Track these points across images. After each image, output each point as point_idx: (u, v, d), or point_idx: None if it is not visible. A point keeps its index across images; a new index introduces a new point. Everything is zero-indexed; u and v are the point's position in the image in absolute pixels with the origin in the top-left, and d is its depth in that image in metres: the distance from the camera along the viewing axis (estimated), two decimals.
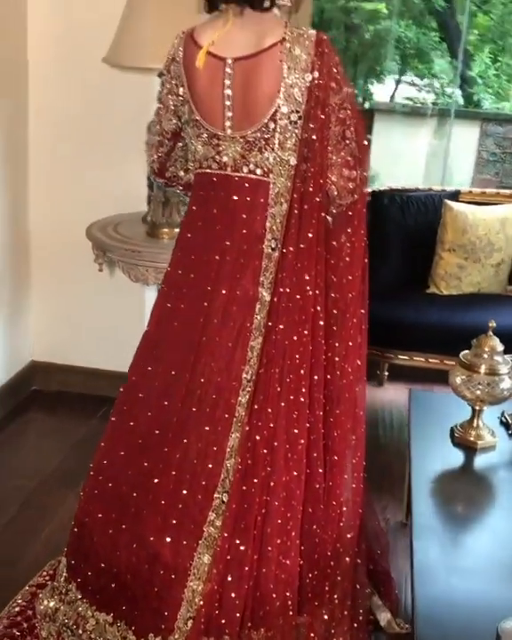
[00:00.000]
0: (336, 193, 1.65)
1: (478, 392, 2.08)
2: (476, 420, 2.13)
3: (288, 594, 1.68)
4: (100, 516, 1.83)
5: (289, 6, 1.64)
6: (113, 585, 1.80)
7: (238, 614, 1.66)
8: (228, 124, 1.65)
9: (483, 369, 2.07)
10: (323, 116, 1.59)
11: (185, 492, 1.72)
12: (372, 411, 3.35)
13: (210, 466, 1.71)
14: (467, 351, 2.12)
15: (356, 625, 1.81)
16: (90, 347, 3.10)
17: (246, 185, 1.66)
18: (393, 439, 3.09)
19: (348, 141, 1.62)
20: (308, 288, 1.65)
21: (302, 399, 1.67)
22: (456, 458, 2.09)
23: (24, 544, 2.29)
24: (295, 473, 1.67)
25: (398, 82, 8.06)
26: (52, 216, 2.98)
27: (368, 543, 1.97)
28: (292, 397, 1.66)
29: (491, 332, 2.08)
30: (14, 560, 2.22)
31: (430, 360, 2.97)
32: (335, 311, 1.72)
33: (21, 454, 2.81)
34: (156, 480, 1.76)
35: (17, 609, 2.01)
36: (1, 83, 2.72)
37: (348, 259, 1.72)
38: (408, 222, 3.11)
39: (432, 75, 8.07)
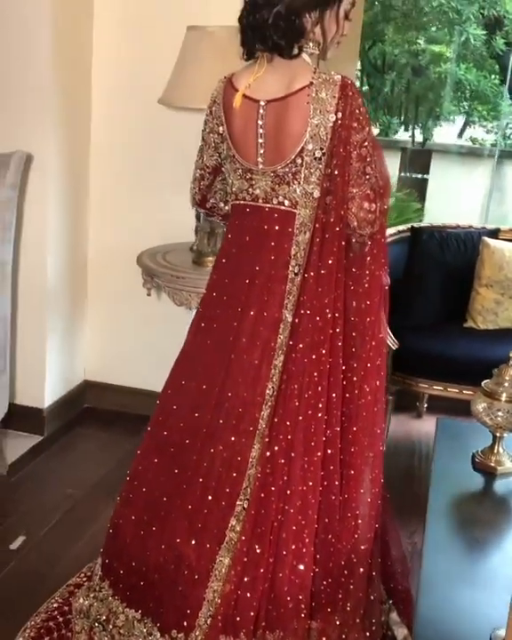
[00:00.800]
0: (356, 223, 1.77)
1: (499, 419, 2.16)
2: (496, 447, 2.20)
3: (301, 597, 1.78)
4: (133, 518, 1.98)
5: (317, 54, 1.80)
6: (142, 583, 1.94)
7: (253, 614, 1.77)
8: (260, 159, 1.81)
9: (503, 397, 2.15)
10: (344, 153, 1.72)
11: (210, 498, 1.85)
12: (408, 441, 3.44)
13: (234, 474, 1.84)
14: (488, 380, 2.21)
15: (368, 634, 1.91)
16: (138, 367, 3.27)
17: (275, 215, 1.81)
18: (427, 470, 3.16)
19: (368, 176, 1.74)
20: (328, 311, 1.78)
21: (320, 414, 1.78)
22: (476, 482, 2.17)
23: (65, 547, 2.45)
24: (311, 483, 1.78)
25: (465, 124, 8.19)
26: (109, 244, 3.20)
27: (392, 562, 2.07)
28: (309, 412, 1.78)
29: (511, 362, 2.17)
30: (56, 561, 2.38)
31: (465, 392, 3.04)
32: (354, 334, 1.84)
33: (70, 465, 2.99)
34: (184, 486, 1.89)
35: (55, 605, 2.16)
36: (67, 120, 2.96)
37: (367, 285, 1.84)
38: (447, 258, 3.22)
39: (492, 117, 8.17)
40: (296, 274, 1.79)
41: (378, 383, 1.89)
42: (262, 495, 1.79)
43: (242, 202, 1.87)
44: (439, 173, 7.26)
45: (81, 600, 2.11)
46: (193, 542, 1.86)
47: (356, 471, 1.86)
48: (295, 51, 1.74)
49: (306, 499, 1.78)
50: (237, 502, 1.83)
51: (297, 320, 1.79)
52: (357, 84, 8.49)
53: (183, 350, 2.01)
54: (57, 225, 3.00)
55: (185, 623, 1.86)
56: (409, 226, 3.30)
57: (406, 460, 3.25)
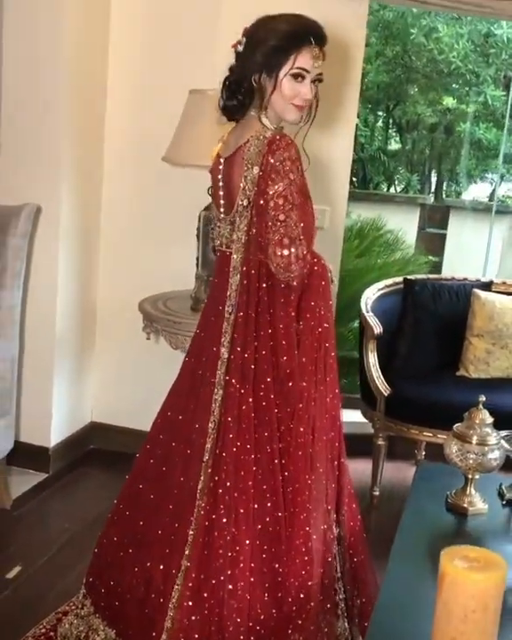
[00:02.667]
0: (273, 268, 1.88)
1: (470, 461, 2.25)
2: (468, 488, 2.29)
3: (248, 625, 1.85)
4: (115, 539, 2.11)
5: (260, 113, 1.94)
6: (117, 603, 2.05)
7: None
8: (222, 209, 2.01)
9: (474, 439, 2.25)
10: (262, 203, 1.87)
11: (177, 525, 1.98)
12: (404, 488, 3.50)
13: (193, 505, 1.95)
14: (460, 423, 2.30)
15: None
16: (141, 410, 3.40)
17: (228, 258, 1.97)
18: None
19: (282, 223, 1.84)
20: (261, 349, 1.91)
21: (249, 446, 1.89)
22: (447, 522, 2.24)
23: (58, 578, 2.56)
24: (243, 511, 1.88)
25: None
26: (116, 292, 3.38)
27: (366, 600, 2.14)
28: (239, 444, 1.90)
29: (481, 406, 2.27)
30: (47, 590, 2.49)
31: None
32: (289, 371, 1.94)
33: (72, 502, 3.11)
34: (158, 513, 2.02)
35: (42, 630, 2.27)
36: (80, 178, 3.17)
37: (282, 326, 1.93)
38: (439, 309, 3.34)
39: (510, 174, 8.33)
40: (230, 313, 1.93)
41: (311, 425, 1.95)
42: (207, 524, 1.90)
43: (216, 247, 2.06)
44: (457, 229, 7.40)
45: (66, 624, 2.22)
46: (161, 567, 1.98)
47: (299, 509, 1.92)
48: (239, 110, 1.93)
49: (242, 529, 1.88)
50: (189, 531, 1.94)
51: (232, 356, 1.92)
52: (385, 143, 8.80)
53: (173, 384, 2.16)
54: (66, 273, 3.19)
55: None
56: (402, 277, 3.44)
57: (399, 505, 3.31)
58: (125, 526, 2.11)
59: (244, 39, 1.94)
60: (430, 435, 3.14)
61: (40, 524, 2.92)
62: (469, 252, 7.26)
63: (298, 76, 1.90)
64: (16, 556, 2.69)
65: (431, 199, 8.13)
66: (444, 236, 7.55)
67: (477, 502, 2.27)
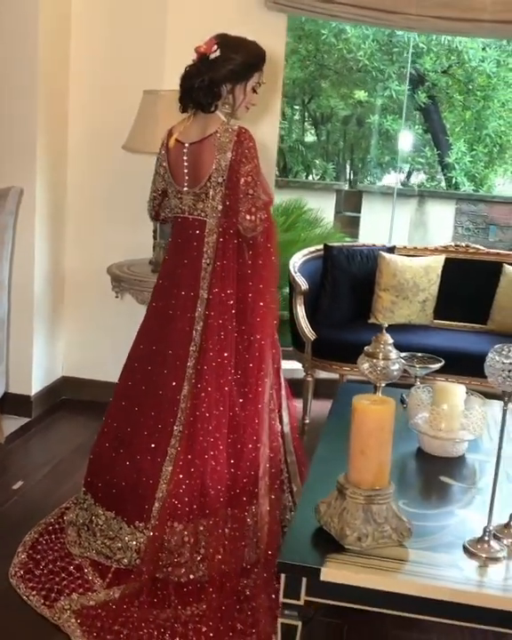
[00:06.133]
0: (242, 229, 2.55)
1: (378, 373, 2.95)
2: (377, 394, 2.98)
3: (220, 488, 2.48)
4: (106, 445, 2.72)
5: (228, 113, 2.60)
6: (114, 491, 2.66)
7: (189, 501, 2.49)
8: (185, 184, 2.61)
9: (380, 356, 2.94)
10: (235, 180, 2.51)
11: (159, 426, 2.61)
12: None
13: (174, 408, 2.59)
14: (368, 345, 2.99)
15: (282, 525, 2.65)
16: (108, 362, 4.00)
17: (195, 223, 2.60)
18: None
19: (250, 196, 2.50)
20: (229, 290, 2.55)
21: (225, 362, 2.54)
22: None
23: (56, 487, 3.17)
24: (222, 408, 2.53)
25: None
26: (82, 261, 3.98)
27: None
28: (219, 360, 2.54)
29: (384, 331, 2.97)
30: (48, 497, 3.10)
31: None
32: (252, 303, 2.59)
33: (55, 438, 3.70)
34: (142, 419, 2.65)
35: (51, 519, 2.88)
36: (47, 164, 3.75)
37: (249, 271, 2.59)
38: (353, 269, 4.05)
39: (418, 162, 9.16)
40: (208, 264, 2.57)
41: (263, 342, 2.60)
42: (191, 419, 2.55)
43: (176, 215, 2.68)
44: (369, 212, 8.19)
45: (71, 514, 2.84)
46: (148, 458, 2.61)
47: (251, 405, 2.58)
48: (212, 108, 2.56)
49: (219, 420, 2.53)
50: (175, 427, 2.58)
51: (210, 296, 2.56)
52: (303, 135, 9.52)
53: (141, 324, 2.79)
54: (41, 246, 3.77)
55: (144, 516, 2.59)
56: (323, 244, 4.14)
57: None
58: (115, 434, 2.73)
59: (218, 50, 2.53)
60: (348, 369, 3.84)
61: (31, 454, 3.52)
62: (382, 231, 8.06)
63: (254, 89, 2.59)
64: (17, 475, 3.28)
65: (346, 186, 8.91)
66: (358, 219, 8.36)
67: None
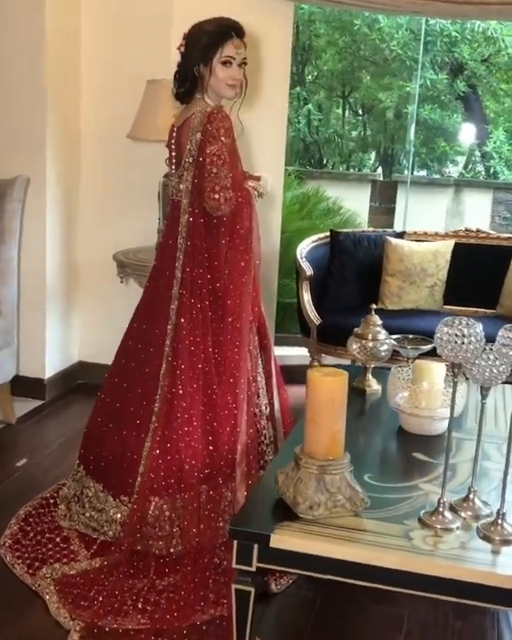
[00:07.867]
0: (208, 208, 2.60)
1: (366, 353, 2.98)
2: (367, 374, 3.01)
3: (194, 463, 2.54)
4: (99, 419, 2.82)
5: (213, 96, 2.64)
6: (103, 464, 2.76)
7: (165, 476, 2.56)
8: (173, 166, 2.71)
9: (369, 337, 2.96)
10: (201, 159, 2.57)
11: (144, 403, 2.69)
12: None
13: (156, 386, 2.66)
14: (358, 327, 3.01)
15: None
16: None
17: (178, 204, 2.67)
18: None
19: (214, 175, 2.54)
20: (201, 268, 2.62)
21: (198, 339, 2.61)
22: (353, 397, 2.93)
23: (57, 465, 3.28)
24: (195, 386, 2.60)
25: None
26: (95, 247, 4.08)
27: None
28: (190, 338, 2.60)
29: (372, 312, 2.98)
30: (49, 473, 3.21)
31: None
32: (219, 284, 2.65)
33: (65, 420, 3.81)
34: (129, 395, 2.74)
35: (47, 494, 2.99)
36: (61, 153, 3.87)
37: (216, 251, 2.64)
38: (359, 254, 4.06)
39: (456, 152, 9.07)
40: (182, 244, 2.64)
41: (238, 325, 2.65)
42: (169, 396, 2.61)
43: (171, 197, 2.75)
44: (404, 202, 8.13)
45: (65, 489, 2.94)
46: (134, 433, 2.69)
47: (227, 385, 2.64)
48: (186, 94, 2.63)
49: (194, 398, 2.60)
50: (155, 404, 2.65)
51: (184, 275, 2.63)
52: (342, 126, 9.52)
53: (138, 304, 2.87)
54: (52, 233, 3.89)
55: (128, 490, 2.67)
56: (329, 230, 4.17)
57: None
58: (106, 410, 2.82)
59: (184, 41, 2.64)
60: None
61: (40, 433, 3.64)
62: (417, 222, 8.01)
63: (226, 63, 2.61)
64: (23, 453, 3.40)
65: (380, 177, 8.87)
66: (393, 209, 8.31)
67: (373, 385, 2.99)
